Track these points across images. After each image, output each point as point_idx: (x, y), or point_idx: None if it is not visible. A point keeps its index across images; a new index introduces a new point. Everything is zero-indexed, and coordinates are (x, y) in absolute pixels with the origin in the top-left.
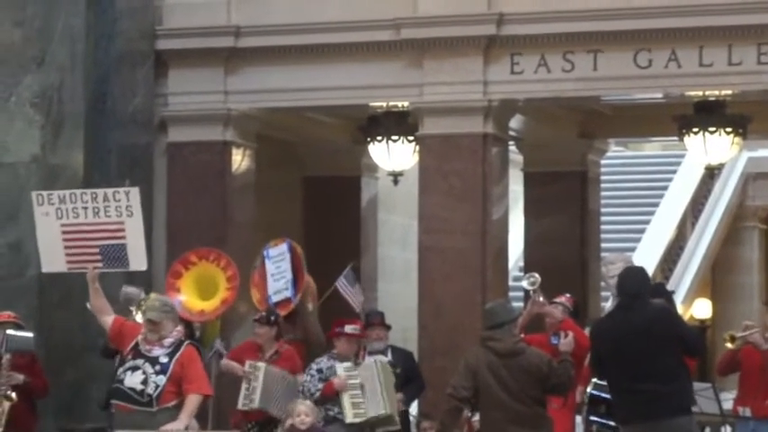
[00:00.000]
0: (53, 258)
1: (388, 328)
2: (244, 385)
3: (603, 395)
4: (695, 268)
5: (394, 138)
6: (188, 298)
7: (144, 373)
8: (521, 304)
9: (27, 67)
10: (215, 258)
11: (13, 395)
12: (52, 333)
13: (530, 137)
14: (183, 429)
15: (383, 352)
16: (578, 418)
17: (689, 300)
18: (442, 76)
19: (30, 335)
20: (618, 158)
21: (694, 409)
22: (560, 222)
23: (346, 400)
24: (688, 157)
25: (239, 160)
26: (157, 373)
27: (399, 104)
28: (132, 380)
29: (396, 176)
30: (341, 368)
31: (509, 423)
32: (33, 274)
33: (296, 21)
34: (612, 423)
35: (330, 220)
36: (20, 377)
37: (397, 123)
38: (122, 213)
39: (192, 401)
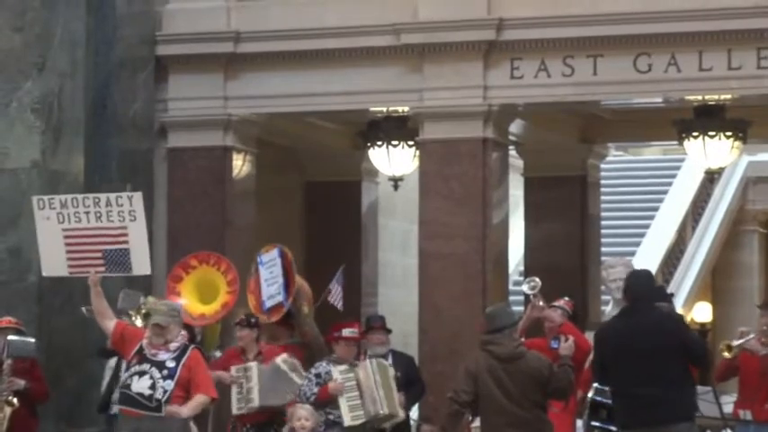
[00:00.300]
0: (54, 263)
1: (389, 331)
2: (235, 390)
3: (605, 400)
4: (695, 272)
5: (394, 143)
6: (188, 302)
7: (151, 377)
8: (521, 308)
9: (27, 73)
10: (215, 262)
11: (15, 400)
12: (53, 338)
13: (530, 141)
14: (185, 411)
15: (384, 356)
16: (578, 422)
17: (689, 304)
18: (442, 81)
19: (31, 340)
20: (618, 163)
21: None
22: (560, 227)
23: (343, 403)
24: (688, 161)
25: (239, 165)
26: (165, 378)
27: (399, 109)
28: (140, 385)
29: (396, 181)
30: (336, 371)
31: (510, 427)
32: (34, 280)
33: (296, 26)
34: (614, 428)
35: (330, 225)
36: (21, 383)
37: (397, 128)
38: (125, 218)
39: (198, 399)
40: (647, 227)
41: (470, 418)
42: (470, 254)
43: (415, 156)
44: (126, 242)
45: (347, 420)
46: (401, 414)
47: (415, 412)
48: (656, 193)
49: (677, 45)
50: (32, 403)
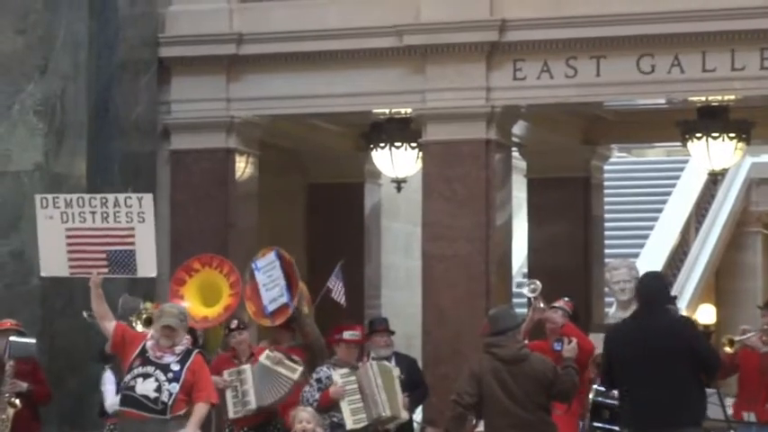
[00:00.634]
0: (54, 262)
1: (392, 333)
2: (230, 394)
3: (607, 401)
4: (699, 274)
5: (397, 144)
6: (191, 305)
7: (157, 380)
8: (524, 310)
9: (30, 76)
10: (218, 265)
11: (17, 402)
12: (55, 341)
13: (533, 143)
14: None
15: (388, 358)
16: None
17: (693, 305)
18: (444, 82)
19: (32, 341)
20: (621, 164)
21: None
22: (564, 228)
23: (345, 406)
24: (691, 162)
25: (242, 167)
26: (170, 381)
27: (402, 111)
28: (145, 387)
29: (399, 183)
30: (337, 375)
31: (513, 429)
32: (36, 283)
33: (298, 28)
34: (617, 428)
35: (333, 227)
36: (24, 385)
37: (399, 130)
38: (133, 219)
39: (200, 410)
40: (650, 228)
41: (474, 420)
42: (473, 255)
43: (417, 157)
44: (132, 243)
45: (349, 424)
46: (404, 415)
47: (418, 414)
48: (659, 194)
49: (680, 46)
50: (35, 405)
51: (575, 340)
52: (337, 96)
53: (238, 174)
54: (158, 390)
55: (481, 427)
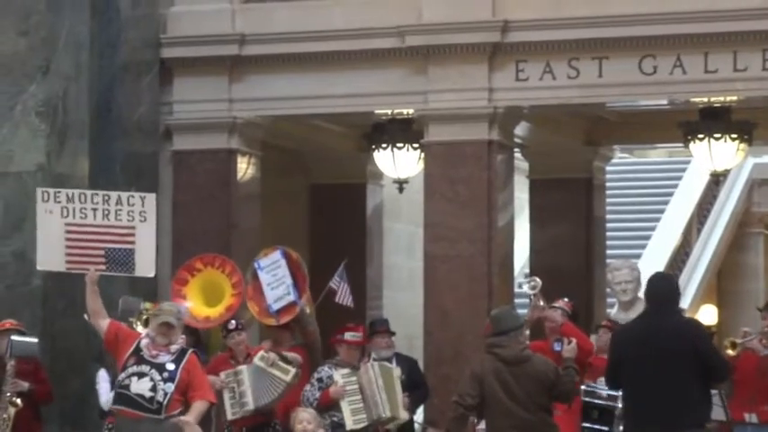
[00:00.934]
0: (51, 257)
1: (393, 334)
2: (228, 395)
3: (596, 401)
4: (701, 274)
5: (399, 145)
6: (194, 305)
7: (152, 379)
8: (526, 311)
9: (32, 76)
10: (220, 265)
11: (19, 401)
12: (56, 341)
13: (535, 144)
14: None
15: (389, 359)
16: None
17: (695, 306)
18: (446, 83)
19: (34, 340)
20: (623, 165)
21: None
22: (566, 229)
23: (345, 407)
24: (693, 163)
25: (244, 168)
26: (165, 381)
27: (404, 112)
28: (140, 386)
29: (401, 184)
30: (338, 375)
31: (515, 430)
32: (38, 283)
33: (300, 29)
34: (606, 428)
35: (335, 228)
36: (25, 385)
37: (402, 131)
38: (135, 218)
39: (199, 406)
40: (652, 229)
41: (476, 421)
42: (476, 256)
43: (419, 158)
44: (132, 242)
45: (350, 424)
46: (404, 416)
47: (419, 415)
48: (661, 195)
49: (683, 47)
50: (36, 405)
51: (574, 341)
52: (339, 97)
53: (241, 174)
54: (153, 389)
55: (482, 425)
